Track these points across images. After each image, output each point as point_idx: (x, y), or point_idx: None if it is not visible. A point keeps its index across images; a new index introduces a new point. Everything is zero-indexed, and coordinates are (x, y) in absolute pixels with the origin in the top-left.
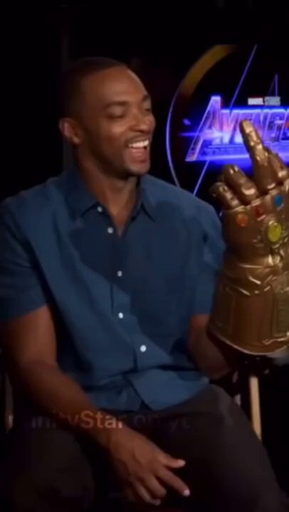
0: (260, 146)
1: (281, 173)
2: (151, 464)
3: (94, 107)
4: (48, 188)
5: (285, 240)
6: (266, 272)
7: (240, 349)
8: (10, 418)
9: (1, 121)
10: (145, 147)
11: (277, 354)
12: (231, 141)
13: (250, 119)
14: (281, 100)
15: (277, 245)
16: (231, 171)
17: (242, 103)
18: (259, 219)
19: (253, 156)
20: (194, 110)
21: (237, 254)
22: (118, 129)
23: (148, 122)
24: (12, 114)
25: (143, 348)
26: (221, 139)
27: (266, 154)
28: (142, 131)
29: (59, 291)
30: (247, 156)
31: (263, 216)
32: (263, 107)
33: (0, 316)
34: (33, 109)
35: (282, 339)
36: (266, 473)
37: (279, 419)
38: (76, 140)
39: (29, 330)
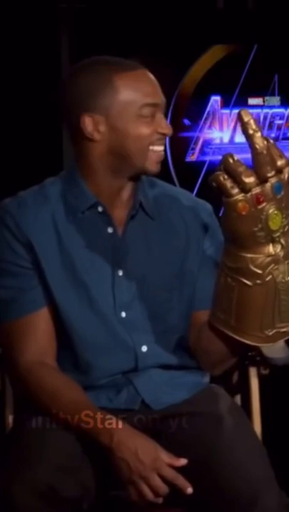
0: (258, 134)
1: (280, 162)
2: (154, 463)
3: (127, 106)
4: (47, 187)
5: (286, 228)
6: (267, 261)
7: (242, 340)
8: (10, 418)
9: (0, 121)
10: (162, 150)
11: (278, 354)
12: (231, 141)
13: None
14: (281, 100)
15: (277, 234)
16: (231, 160)
17: (242, 103)
18: (259, 207)
19: (251, 144)
20: (194, 110)
21: (238, 243)
22: (146, 130)
23: (169, 127)
24: (12, 115)
25: (144, 348)
26: (221, 138)
27: (265, 142)
28: (164, 135)
29: (59, 292)
30: (247, 156)
31: (264, 204)
32: (263, 106)
33: (0, 316)
34: (33, 109)
35: (284, 329)
36: (266, 473)
37: (279, 419)
38: (97, 136)
39: (30, 331)
